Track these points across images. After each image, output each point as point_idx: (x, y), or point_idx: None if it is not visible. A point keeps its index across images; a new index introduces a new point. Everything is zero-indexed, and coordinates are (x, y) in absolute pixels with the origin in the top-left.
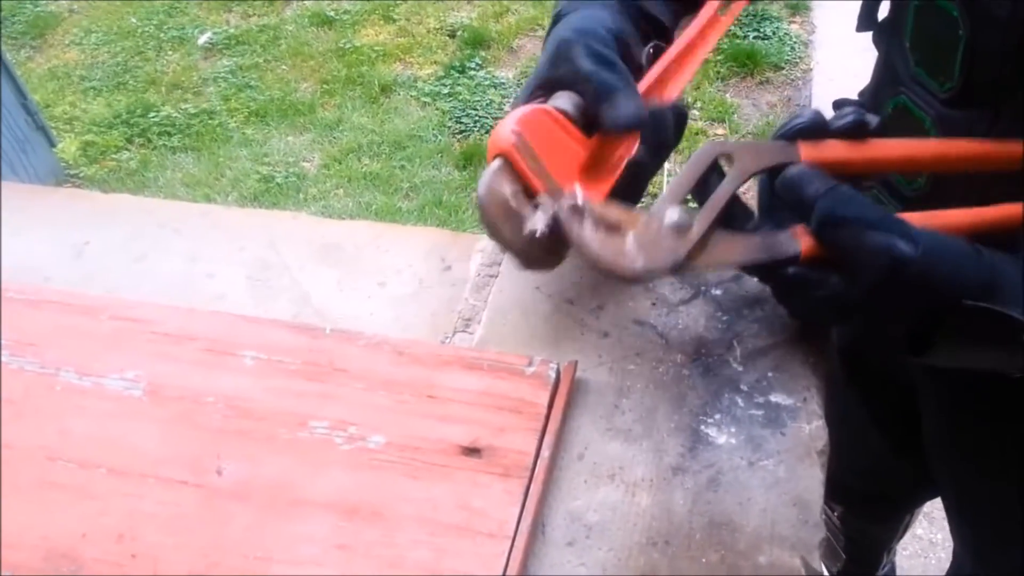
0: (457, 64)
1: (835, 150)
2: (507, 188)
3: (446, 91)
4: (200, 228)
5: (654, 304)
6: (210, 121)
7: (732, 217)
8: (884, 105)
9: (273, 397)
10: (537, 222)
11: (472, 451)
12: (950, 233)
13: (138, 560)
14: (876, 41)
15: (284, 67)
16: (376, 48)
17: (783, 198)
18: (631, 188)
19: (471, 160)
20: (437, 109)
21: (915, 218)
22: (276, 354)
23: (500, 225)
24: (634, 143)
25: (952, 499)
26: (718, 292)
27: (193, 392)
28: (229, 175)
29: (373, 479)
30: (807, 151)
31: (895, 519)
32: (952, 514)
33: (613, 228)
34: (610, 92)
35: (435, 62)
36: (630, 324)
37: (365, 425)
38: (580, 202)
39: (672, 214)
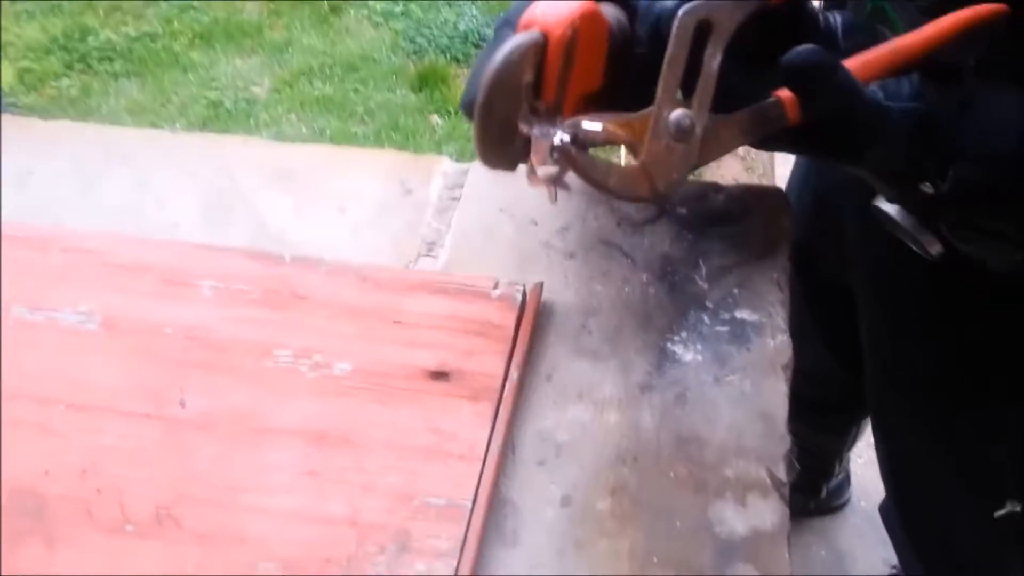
0: None
1: None
2: (527, 73)
3: (399, 10)
4: (148, 155)
5: (619, 224)
6: (152, 45)
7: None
8: (863, 4)
9: (234, 327)
10: (536, 137)
11: (440, 375)
12: (904, 59)
13: (103, 495)
14: None
15: None
16: None
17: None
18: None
19: (427, 82)
20: (390, 29)
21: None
22: (235, 283)
23: (494, 107)
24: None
25: (875, 413)
26: (683, 210)
27: (151, 324)
28: (175, 101)
29: (341, 406)
30: None
31: (843, 429)
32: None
33: (618, 146)
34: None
35: None
36: (596, 244)
37: (330, 352)
38: (583, 130)
39: (674, 118)
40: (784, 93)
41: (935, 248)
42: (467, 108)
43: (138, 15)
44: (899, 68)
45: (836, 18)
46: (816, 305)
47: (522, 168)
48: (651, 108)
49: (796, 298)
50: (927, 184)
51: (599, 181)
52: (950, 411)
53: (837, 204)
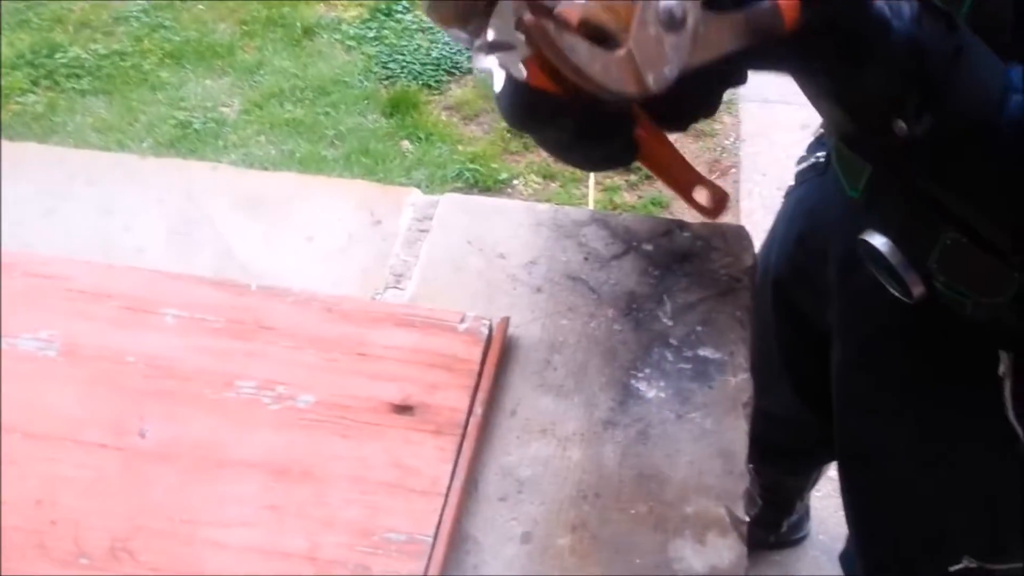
0: (383, 7)
1: None
2: None
3: (372, 35)
4: (115, 179)
5: (586, 259)
6: (122, 63)
7: None
8: None
9: (196, 356)
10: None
11: (404, 409)
12: None
13: (58, 526)
14: None
15: (201, 7)
16: None
17: None
18: None
19: (398, 107)
20: (363, 53)
21: None
22: (199, 312)
23: None
24: None
25: (840, 457)
26: (649, 247)
27: (112, 352)
28: (143, 120)
29: (303, 439)
30: None
31: (807, 471)
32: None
33: (605, 37)
34: None
35: (360, 4)
36: (562, 279)
37: (294, 384)
38: (562, 6)
39: (664, 5)
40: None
41: (917, 289)
42: None
43: (108, 32)
44: None
45: None
46: (790, 349)
47: (491, 201)
48: None
49: (771, 342)
50: (901, 123)
51: (579, 67)
52: (909, 462)
53: (821, 243)
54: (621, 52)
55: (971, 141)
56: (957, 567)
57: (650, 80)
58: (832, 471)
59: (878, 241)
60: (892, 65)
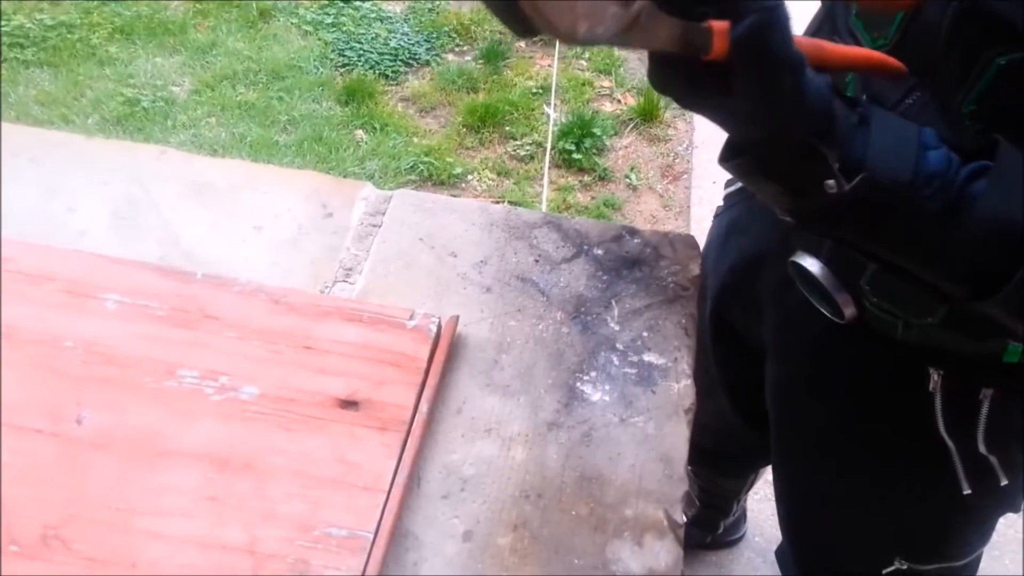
0: None
1: None
2: None
3: (329, 21)
4: (59, 158)
5: (537, 261)
6: (69, 35)
7: None
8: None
9: (138, 343)
10: None
11: (350, 404)
12: (825, 60)
13: None
14: None
15: None
16: None
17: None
18: None
19: (354, 96)
20: (319, 39)
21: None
22: (142, 298)
23: None
24: None
25: (776, 467)
26: (600, 252)
27: (51, 336)
28: (90, 95)
29: (245, 431)
30: None
31: (742, 474)
32: (775, 481)
33: None
34: None
35: None
36: (513, 280)
37: (238, 375)
38: None
39: None
40: (717, 24)
41: (849, 310)
42: None
43: (55, 3)
44: (817, 64)
45: None
46: (726, 364)
47: (444, 198)
48: None
49: (708, 355)
50: (830, 182)
51: None
52: (843, 473)
53: (753, 264)
54: (574, 9)
55: (894, 197)
56: (889, 569)
57: (582, 29)
58: (770, 474)
59: (809, 263)
60: (809, 115)
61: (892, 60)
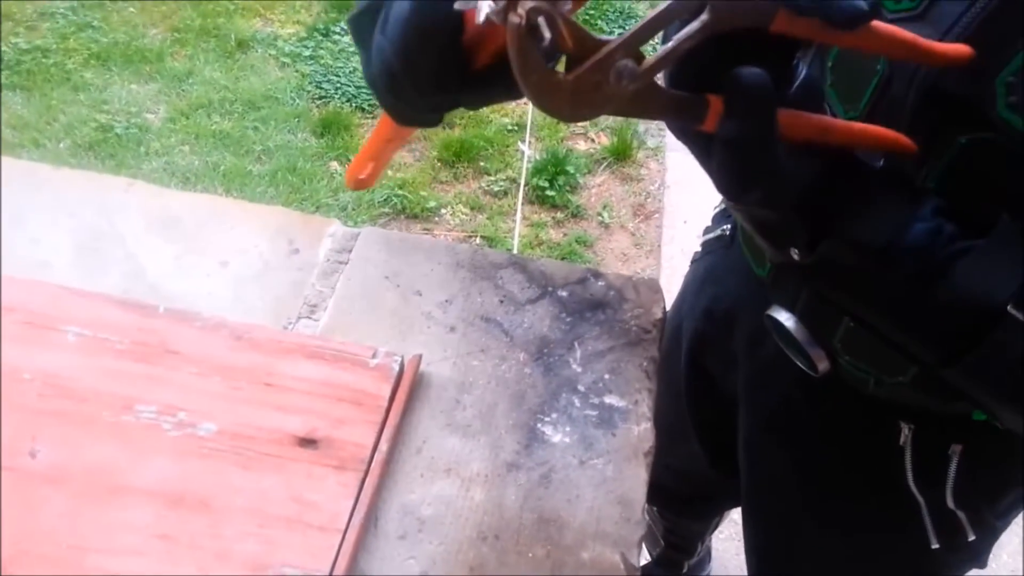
0: (321, 27)
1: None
2: None
3: (307, 53)
4: (25, 187)
5: (502, 301)
6: (44, 60)
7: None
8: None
9: (97, 377)
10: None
11: (308, 442)
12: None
13: None
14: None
15: (132, 9)
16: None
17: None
18: None
19: (329, 128)
20: (296, 71)
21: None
22: (103, 331)
23: None
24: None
25: (746, 517)
26: (564, 294)
27: (8, 367)
28: (62, 120)
29: (201, 468)
30: (782, 22)
31: (707, 516)
32: (744, 525)
33: (556, 50)
34: None
35: (298, 22)
36: (477, 320)
37: (196, 411)
38: (543, 6)
39: (621, 65)
40: (714, 99)
41: (823, 365)
42: None
43: (31, 27)
44: (818, 142)
45: (803, 69)
46: (699, 407)
47: (411, 237)
48: (613, 40)
49: (681, 399)
50: (795, 250)
51: (523, 65)
52: (814, 524)
53: (728, 314)
54: (567, 79)
55: (870, 265)
56: None
57: (567, 114)
58: (735, 514)
59: (784, 317)
60: (786, 195)
61: (903, 138)
